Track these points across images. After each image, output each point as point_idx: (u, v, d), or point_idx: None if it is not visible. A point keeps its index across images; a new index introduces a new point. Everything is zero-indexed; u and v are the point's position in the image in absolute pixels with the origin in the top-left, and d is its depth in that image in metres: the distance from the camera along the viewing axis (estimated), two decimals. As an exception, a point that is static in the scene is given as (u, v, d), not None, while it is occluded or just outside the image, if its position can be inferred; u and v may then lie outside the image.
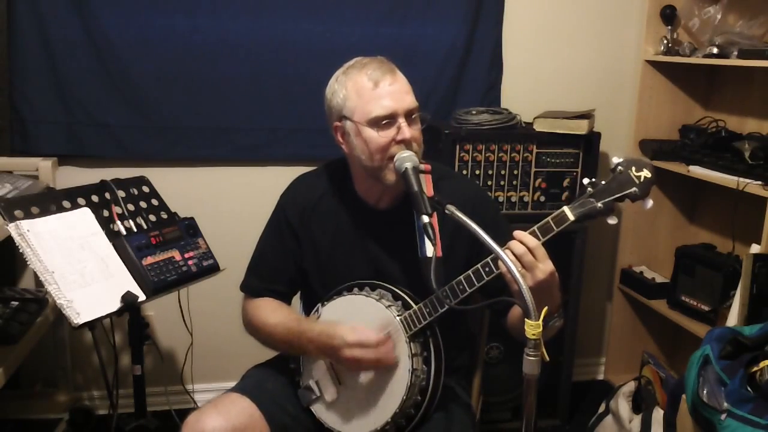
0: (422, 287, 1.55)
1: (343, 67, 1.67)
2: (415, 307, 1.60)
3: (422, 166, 1.65)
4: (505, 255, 1.34)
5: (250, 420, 1.61)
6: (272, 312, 1.75)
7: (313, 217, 1.75)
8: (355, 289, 1.68)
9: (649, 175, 1.42)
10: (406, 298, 1.63)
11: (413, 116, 1.60)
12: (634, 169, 1.43)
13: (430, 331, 1.61)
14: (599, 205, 1.42)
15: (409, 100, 1.59)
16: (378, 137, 1.57)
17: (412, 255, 1.62)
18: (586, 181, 1.46)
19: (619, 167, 1.44)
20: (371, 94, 1.57)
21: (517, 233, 1.43)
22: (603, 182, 1.44)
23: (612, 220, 1.44)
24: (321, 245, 1.75)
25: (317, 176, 1.81)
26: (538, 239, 1.43)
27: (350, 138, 1.63)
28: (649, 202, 1.44)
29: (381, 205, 1.72)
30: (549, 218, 1.45)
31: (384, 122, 1.57)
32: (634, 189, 1.42)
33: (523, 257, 1.39)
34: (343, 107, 1.62)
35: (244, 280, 1.84)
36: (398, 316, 1.60)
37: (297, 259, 1.78)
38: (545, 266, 1.40)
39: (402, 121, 1.57)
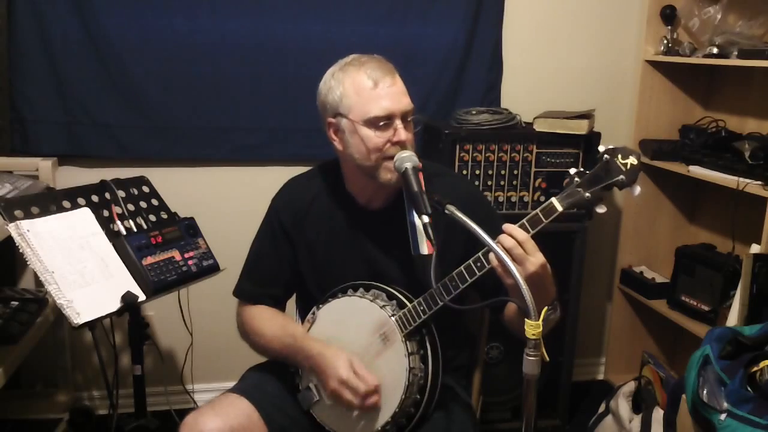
0: (417, 285, 1.55)
1: (338, 63, 1.66)
2: (409, 305, 1.59)
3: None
4: (500, 250, 1.34)
5: (248, 421, 1.61)
6: (267, 322, 1.74)
7: (306, 220, 1.75)
8: (350, 291, 1.68)
9: (635, 162, 1.42)
10: (401, 297, 1.63)
11: (408, 119, 1.60)
12: (620, 156, 1.42)
13: (425, 329, 1.60)
14: (587, 194, 1.42)
15: (405, 102, 1.59)
16: (374, 137, 1.57)
17: (405, 254, 1.62)
18: (572, 170, 1.46)
19: (606, 156, 1.43)
20: (371, 93, 1.57)
21: (507, 226, 1.43)
22: (589, 172, 1.44)
23: (600, 209, 1.44)
24: (315, 247, 1.75)
25: (309, 178, 1.80)
26: (528, 232, 1.43)
27: (345, 136, 1.62)
28: (637, 189, 1.43)
29: (373, 205, 1.72)
30: (537, 210, 1.45)
31: (381, 123, 1.57)
32: (621, 177, 1.41)
33: (513, 250, 1.39)
34: (339, 104, 1.61)
35: (238, 285, 1.83)
36: (393, 315, 1.60)
37: (292, 263, 1.77)
38: (536, 258, 1.40)
39: (399, 122, 1.57)
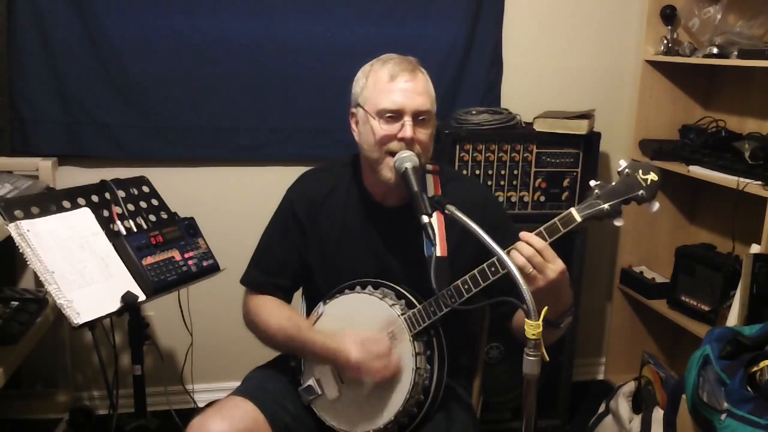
0: (427, 287, 1.56)
1: (374, 59, 1.70)
2: (419, 306, 1.60)
3: (429, 167, 1.66)
4: (504, 255, 1.34)
5: (254, 424, 1.61)
6: (274, 313, 1.74)
7: (321, 212, 1.75)
8: (358, 288, 1.68)
9: (656, 178, 1.43)
10: (410, 297, 1.63)
11: (421, 118, 1.61)
12: (641, 171, 1.43)
13: (433, 330, 1.61)
14: (606, 207, 1.43)
15: (419, 101, 1.60)
16: (380, 129, 1.59)
17: (417, 254, 1.61)
18: (593, 182, 1.47)
19: (627, 170, 1.45)
20: (385, 86, 1.61)
21: (524, 234, 1.43)
22: (610, 184, 1.45)
23: (619, 222, 1.45)
24: (327, 240, 1.75)
25: (327, 171, 1.81)
26: (545, 240, 1.43)
27: (360, 126, 1.66)
28: (656, 205, 1.45)
29: (389, 203, 1.73)
30: (556, 219, 1.45)
31: (389, 115, 1.59)
32: (641, 192, 1.43)
33: (532, 259, 1.40)
34: (360, 95, 1.66)
35: (246, 273, 1.83)
36: (402, 315, 1.60)
37: (302, 254, 1.77)
38: (555, 266, 1.41)
39: (407, 119, 1.58)
